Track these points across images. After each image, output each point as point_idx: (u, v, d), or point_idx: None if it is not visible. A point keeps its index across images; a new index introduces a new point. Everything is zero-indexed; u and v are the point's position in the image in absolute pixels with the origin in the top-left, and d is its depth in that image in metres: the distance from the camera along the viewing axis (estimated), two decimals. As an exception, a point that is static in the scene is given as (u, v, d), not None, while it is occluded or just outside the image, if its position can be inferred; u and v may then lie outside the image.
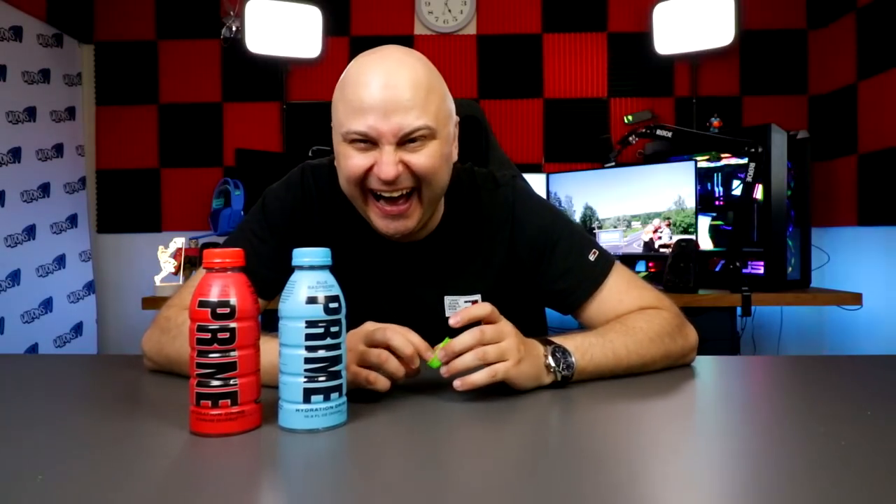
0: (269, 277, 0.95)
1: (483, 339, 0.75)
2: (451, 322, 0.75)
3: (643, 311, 0.96)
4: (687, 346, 0.97)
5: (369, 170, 0.85)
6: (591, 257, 0.97)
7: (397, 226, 0.88)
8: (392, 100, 0.83)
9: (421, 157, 0.85)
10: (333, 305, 0.70)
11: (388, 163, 0.83)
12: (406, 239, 0.93)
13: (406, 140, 0.84)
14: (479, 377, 0.74)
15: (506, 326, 0.78)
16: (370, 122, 0.83)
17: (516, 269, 0.99)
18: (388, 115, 0.82)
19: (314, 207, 1.00)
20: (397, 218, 0.88)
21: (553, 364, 0.82)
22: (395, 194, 0.86)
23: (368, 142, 0.84)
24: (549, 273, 0.98)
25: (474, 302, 0.95)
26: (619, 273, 0.98)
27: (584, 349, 0.85)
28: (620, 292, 0.96)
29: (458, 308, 0.94)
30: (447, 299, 0.96)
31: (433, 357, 0.76)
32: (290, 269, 0.71)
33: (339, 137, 0.87)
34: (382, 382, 0.75)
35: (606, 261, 0.97)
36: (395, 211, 0.87)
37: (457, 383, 0.74)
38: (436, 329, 0.80)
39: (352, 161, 0.85)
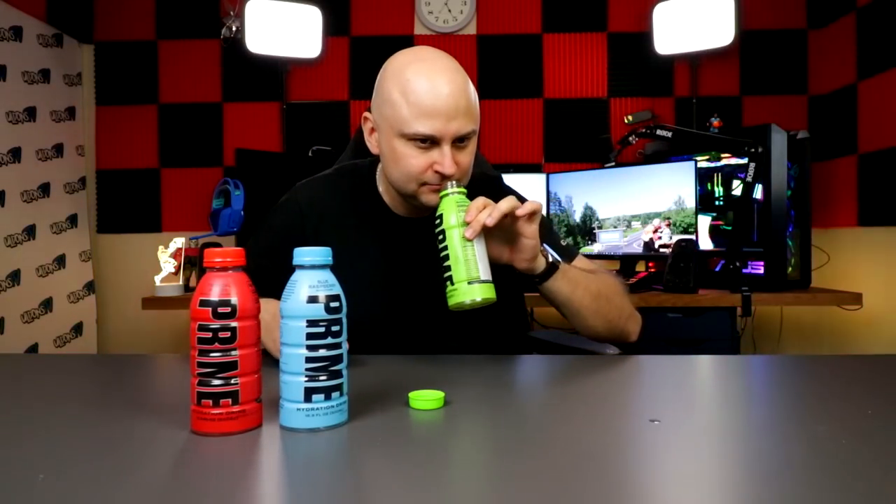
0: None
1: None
2: (468, 234, 0.91)
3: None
4: (628, 316, 1.13)
5: (428, 168, 0.98)
6: (563, 243, 1.19)
7: None
8: (455, 107, 0.96)
9: (466, 156, 1.00)
10: (334, 305, 0.70)
11: (450, 162, 0.97)
12: (418, 214, 1.08)
13: (457, 140, 0.98)
14: (505, 204, 0.91)
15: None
16: (437, 126, 0.95)
17: None
18: (450, 120, 0.95)
19: (307, 220, 1.12)
20: None
21: (548, 252, 1.02)
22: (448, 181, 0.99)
23: (429, 141, 0.97)
24: None
25: None
26: (584, 259, 1.18)
27: (566, 266, 1.04)
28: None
29: None
30: None
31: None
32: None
33: (395, 135, 0.98)
34: None
35: (575, 247, 1.14)
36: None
37: (488, 220, 0.89)
38: (443, 295, 0.94)
39: (414, 160, 0.98)
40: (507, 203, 0.91)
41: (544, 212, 2.63)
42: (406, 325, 1.09)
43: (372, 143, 1.06)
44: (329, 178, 1.17)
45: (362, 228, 1.10)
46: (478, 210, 0.91)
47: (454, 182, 0.95)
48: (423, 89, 0.95)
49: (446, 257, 0.94)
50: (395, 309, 1.09)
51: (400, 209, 1.11)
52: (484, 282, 0.93)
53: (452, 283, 0.93)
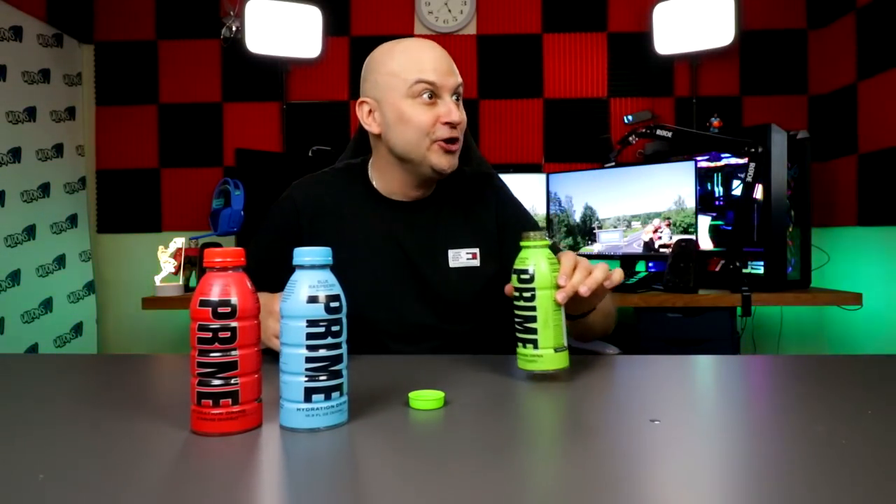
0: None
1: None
2: (559, 298, 0.88)
3: None
4: (614, 318, 1.15)
5: (436, 121, 1.04)
6: (548, 238, 1.19)
7: (451, 160, 1.07)
8: (448, 63, 1.05)
9: (462, 111, 1.07)
10: (334, 304, 0.70)
11: (454, 109, 1.04)
12: (415, 196, 1.13)
13: (454, 94, 1.05)
14: (600, 273, 0.91)
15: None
16: (439, 76, 1.03)
17: (500, 233, 1.17)
18: (447, 74, 1.04)
19: (302, 213, 1.15)
20: (453, 154, 1.07)
21: None
22: (456, 138, 1.06)
23: (433, 95, 1.03)
24: (513, 235, 1.12)
25: (473, 255, 1.13)
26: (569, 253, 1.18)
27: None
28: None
29: (461, 260, 1.13)
30: (451, 252, 1.12)
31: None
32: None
33: (401, 97, 1.04)
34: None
35: (559, 244, 1.16)
36: (454, 148, 1.06)
37: (583, 289, 0.87)
38: (440, 278, 1.05)
39: (423, 116, 1.03)
40: (601, 272, 0.91)
41: (543, 212, 2.64)
42: (402, 299, 1.12)
43: (373, 124, 1.10)
44: (324, 173, 1.22)
45: (357, 214, 1.14)
46: (568, 274, 0.89)
47: (538, 233, 0.91)
48: (419, 51, 1.05)
49: (532, 318, 0.90)
50: (392, 284, 1.11)
51: (392, 193, 1.15)
52: (567, 348, 0.91)
53: (536, 348, 0.89)
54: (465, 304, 1.11)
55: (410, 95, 1.04)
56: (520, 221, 1.19)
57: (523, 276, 0.90)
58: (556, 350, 0.90)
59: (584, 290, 0.87)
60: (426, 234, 1.12)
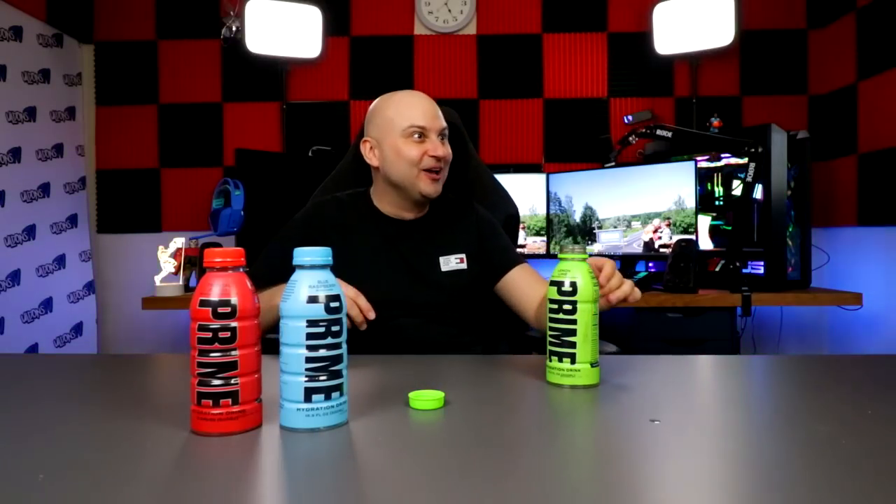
0: None
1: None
2: (603, 306, 0.97)
3: None
4: None
5: (423, 155, 1.26)
6: (514, 252, 1.40)
7: (437, 187, 1.29)
8: (434, 110, 1.29)
9: (447, 148, 1.30)
10: (334, 305, 0.70)
11: (439, 146, 1.27)
12: (410, 217, 1.35)
13: (440, 135, 1.28)
14: (629, 291, 1.00)
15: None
16: (427, 120, 1.26)
17: (480, 242, 1.37)
18: (434, 119, 1.28)
19: (322, 231, 1.33)
20: (437, 182, 1.29)
21: None
22: (440, 168, 1.28)
23: (422, 135, 1.26)
24: (494, 248, 1.38)
25: (460, 259, 1.34)
26: (530, 267, 1.38)
27: None
28: (532, 276, 1.34)
29: (451, 264, 1.33)
30: (442, 259, 1.33)
31: None
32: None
33: (396, 136, 1.27)
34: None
35: (523, 257, 1.38)
36: (439, 177, 1.29)
37: (613, 298, 0.98)
38: (433, 278, 1.28)
39: (413, 151, 1.26)
40: (629, 287, 1.00)
41: (543, 212, 2.64)
42: (402, 298, 1.29)
43: (373, 158, 1.32)
44: (334, 197, 1.42)
45: (364, 229, 1.34)
46: (610, 279, 0.99)
47: (577, 246, 0.93)
48: (411, 101, 1.30)
49: (572, 332, 0.89)
50: (392, 285, 1.29)
51: (391, 212, 1.35)
52: (597, 364, 0.91)
53: (574, 363, 0.89)
54: (454, 295, 1.32)
55: (404, 136, 1.26)
56: (494, 231, 1.41)
57: (563, 289, 0.90)
58: (591, 365, 0.90)
59: (614, 299, 0.98)
60: (421, 245, 1.33)
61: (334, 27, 2.96)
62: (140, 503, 0.52)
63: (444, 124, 1.29)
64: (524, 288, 1.30)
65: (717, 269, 2.47)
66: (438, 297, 1.29)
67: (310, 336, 0.69)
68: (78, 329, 2.77)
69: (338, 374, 0.70)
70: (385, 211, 1.35)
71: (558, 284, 0.90)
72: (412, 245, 1.32)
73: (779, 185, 2.28)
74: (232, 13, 2.81)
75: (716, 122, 2.59)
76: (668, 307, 2.20)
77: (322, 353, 0.69)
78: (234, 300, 0.68)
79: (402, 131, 1.26)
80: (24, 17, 2.56)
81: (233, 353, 0.68)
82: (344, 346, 0.72)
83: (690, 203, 2.31)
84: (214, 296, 0.67)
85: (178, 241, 2.39)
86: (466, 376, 0.98)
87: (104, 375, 1.04)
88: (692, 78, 2.91)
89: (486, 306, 1.38)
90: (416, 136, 1.26)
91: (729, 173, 2.45)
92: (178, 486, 0.56)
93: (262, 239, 2.51)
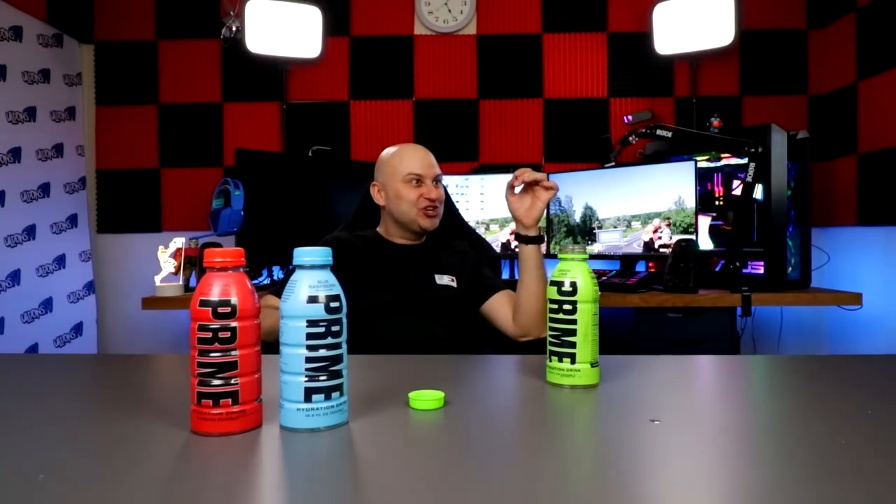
0: None
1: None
2: (516, 183, 1.35)
3: None
4: (545, 320, 1.39)
5: (419, 196, 1.51)
6: (498, 280, 1.60)
7: (433, 221, 1.54)
8: (429, 160, 1.55)
9: (440, 191, 1.55)
10: (334, 305, 0.70)
11: (433, 189, 1.52)
12: (413, 243, 1.59)
13: (434, 180, 1.54)
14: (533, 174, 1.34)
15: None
16: (423, 168, 1.53)
17: (470, 271, 1.57)
18: (429, 167, 1.54)
19: (340, 250, 1.40)
20: (433, 217, 1.53)
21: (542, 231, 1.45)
22: (434, 207, 1.52)
23: (419, 181, 1.51)
24: (481, 276, 1.57)
25: (452, 279, 1.53)
26: (512, 293, 1.51)
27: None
28: (514, 300, 1.48)
29: (444, 280, 1.52)
30: (437, 278, 1.52)
31: None
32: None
33: (398, 181, 1.52)
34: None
35: (505, 284, 1.56)
36: (435, 214, 1.53)
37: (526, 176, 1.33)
38: (429, 296, 1.47)
39: (411, 193, 1.51)
40: (542, 175, 1.35)
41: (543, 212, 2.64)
42: (404, 311, 1.45)
43: (381, 199, 1.57)
44: (349, 234, 1.62)
45: (372, 253, 1.55)
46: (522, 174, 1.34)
47: (577, 247, 0.94)
48: (411, 152, 1.56)
49: (571, 332, 0.90)
50: (396, 301, 1.46)
51: (395, 240, 1.58)
52: (597, 364, 0.92)
53: (574, 363, 0.89)
54: (444, 301, 1.49)
55: (404, 181, 1.51)
56: (482, 264, 1.61)
57: (563, 289, 0.90)
58: (591, 365, 0.90)
59: (527, 178, 1.32)
60: (419, 264, 1.53)
61: (334, 27, 2.96)
62: (140, 503, 0.52)
63: (438, 172, 1.56)
64: (506, 308, 1.47)
65: (717, 269, 2.47)
66: (430, 300, 1.47)
67: (310, 336, 0.69)
68: (78, 329, 2.77)
69: (338, 374, 0.70)
70: (390, 239, 1.59)
71: (558, 284, 0.90)
72: (412, 262, 1.54)
73: (779, 185, 2.28)
74: (232, 13, 2.81)
75: (716, 122, 2.59)
76: (668, 307, 2.20)
77: (322, 353, 0.69)
78: (234, 300, 0.68)
79: (403, 177, 1.52)
80: (24, 17, 2.56)
81: (233, 353, 0.68)
82: (344, 346, 0.72)
83: (690, 203, 2.31)
84: (214, 296, 0.67)
85: (178, 241, 2.39)
86: (466, 376, 0.98)
87: (104, 375, 1.04)
88: (692, 78, 2.91)
89: (471, 320, 1.54)
90: (414, 181, 1.51)
91: (729, 173, 2.44)
92: (178, 486, 0.56)
93: (262, 239, 2.52)
